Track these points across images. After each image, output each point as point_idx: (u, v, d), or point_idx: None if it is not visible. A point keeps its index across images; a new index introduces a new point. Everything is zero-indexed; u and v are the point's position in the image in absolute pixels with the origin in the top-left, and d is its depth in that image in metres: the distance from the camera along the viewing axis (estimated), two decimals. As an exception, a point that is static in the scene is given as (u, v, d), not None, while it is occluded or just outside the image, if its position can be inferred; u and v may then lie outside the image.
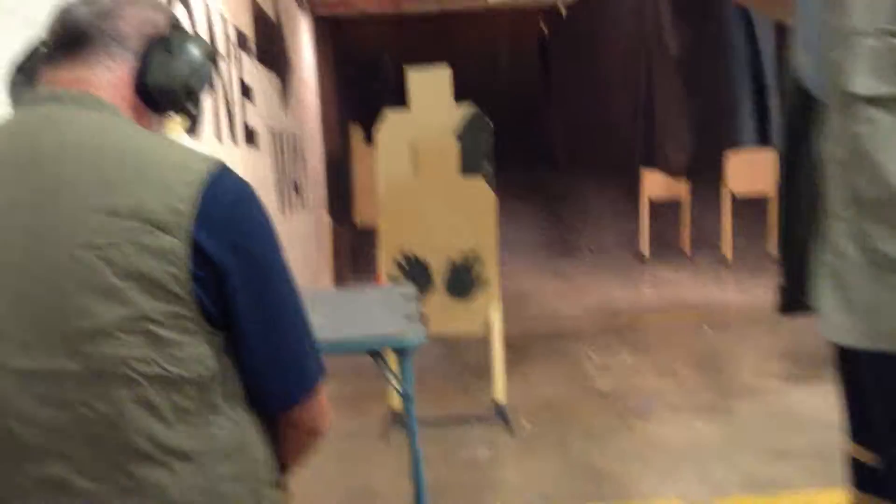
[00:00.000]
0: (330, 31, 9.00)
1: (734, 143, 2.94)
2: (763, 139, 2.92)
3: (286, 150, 6.15)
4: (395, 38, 9.25)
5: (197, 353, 1.02)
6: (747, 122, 2.88)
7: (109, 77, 1.09)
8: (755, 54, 2.95)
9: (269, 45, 5.73)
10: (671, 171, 3.91)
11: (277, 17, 6.18)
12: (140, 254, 0.98)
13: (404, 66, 3.91)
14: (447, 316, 3.86)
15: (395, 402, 3.87)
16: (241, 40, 4.84)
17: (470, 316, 3.86)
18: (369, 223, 7.03)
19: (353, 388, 4.59)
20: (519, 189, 10.66)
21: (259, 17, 5.43)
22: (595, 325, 5.95)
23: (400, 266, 3.83)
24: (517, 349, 5.24)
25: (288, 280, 1.12)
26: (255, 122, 5.09)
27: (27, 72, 1.15)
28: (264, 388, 1.10)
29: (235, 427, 1.08)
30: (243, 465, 1.09)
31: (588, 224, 10.22)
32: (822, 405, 3.79)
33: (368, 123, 4.05)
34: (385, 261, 3.86)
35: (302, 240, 6.43)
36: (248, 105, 4.92)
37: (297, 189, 6.54)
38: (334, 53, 9.25)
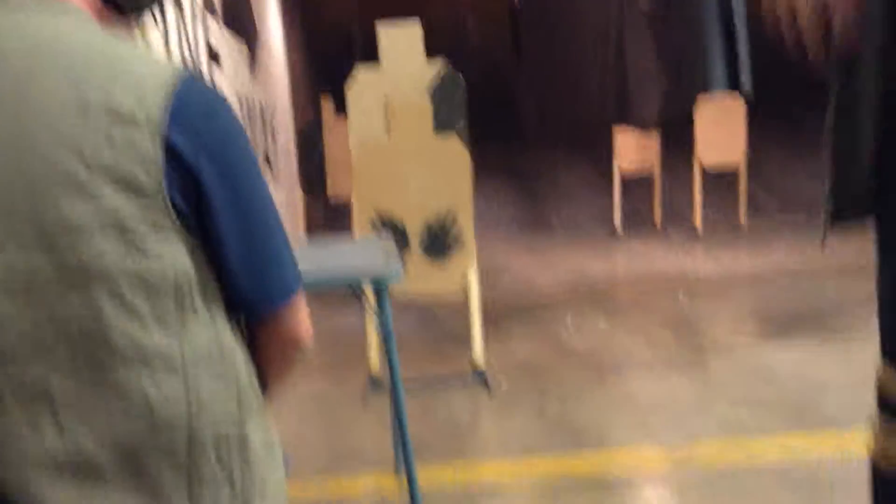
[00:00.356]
0: (297, 0, 8.88)
1: (705, 89, 2.94)
2: (734, 84, 2.92)
3: (255, 120, 6.06)
4: (363, 8, 9.15)
5: (172, 255, 1.00)
6: (718, 67, 2.88)
7: None
8: (725, 1, 2.95)
9: (235, 10, 5.62)
10: (643, 124, 3.92)
11: (244, -17, 6.07)
12: (112, 149, 0.95)
13: (375, 29, 3.86)
14: (424, 277, 3.84)
15: (374, 366, 3.85)
16: (207, 2, 4.74)
17: (447, 277, 3.83)
18: (343, 196, 6.96)
19: (332, 356, 4.57)
20: (489, 163, 10.66)
21: (225, -19, 5.33)
22: (569, 295, 5.97)
23: (374, 228, 3.80)
24: (493, 318, 5.25)
25: (264, 187, 1.10)
26: (224, 88, 5.00)
27: None
28: (243, 294, 1.07)
29: (214, 331, 1.05)
30: (223, 370, 1.06)
31: (560, 199, 10.27)
32: (795, 360, 3.85)
33: (340, 95, 4.00)
34: (360, 223, 3.82)
35: (273, 212, 6.34)
36: (216, 70, 4.83)
37: (267, 162, 6.45)
38: (302, 23, 9.13)
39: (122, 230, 0.96)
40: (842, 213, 1.54)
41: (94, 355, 0.98)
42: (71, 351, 0.97)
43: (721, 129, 8.10)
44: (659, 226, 9.29)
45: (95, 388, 0.98)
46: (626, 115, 3.90)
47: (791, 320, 4.66)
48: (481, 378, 3.80)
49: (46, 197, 0.95)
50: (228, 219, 1.03)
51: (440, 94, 3.72)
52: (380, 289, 1.92)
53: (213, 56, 4.78)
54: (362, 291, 1.93)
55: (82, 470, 0.99)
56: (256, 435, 1.10)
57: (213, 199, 1.02)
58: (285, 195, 7.07)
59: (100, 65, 0.98)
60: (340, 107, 4.51)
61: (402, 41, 3.70)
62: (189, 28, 4.21)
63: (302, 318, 1.14)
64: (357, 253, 2.20)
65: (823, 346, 4.05)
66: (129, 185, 0.96)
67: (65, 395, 0.98)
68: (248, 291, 1.07)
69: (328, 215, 9.57)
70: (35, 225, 0.95)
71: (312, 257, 2.18)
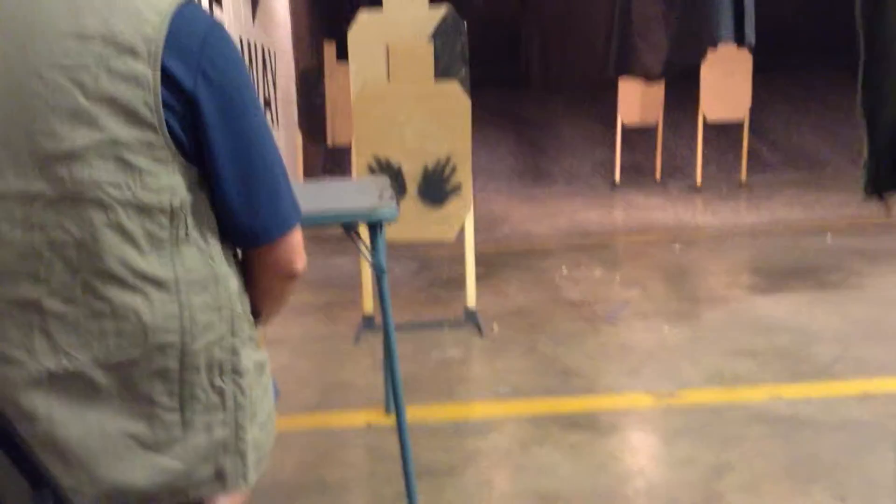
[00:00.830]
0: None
1: (711, 41, 2.90)
2: (739, 38, 2.87)
3: (255, 63, 6.00)
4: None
5: (169, 182, 1.01)
6: (725, 19, 2.83)
7: None
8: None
9: (237, -50, 5.53)
10: (648, 75, 3.87)
11: (246, -79, 5.95)
12: (110, 78, 0.96)
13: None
14: (421, 223, 3.85)
15: (368, 306, 3.89)
16: (208, -60, 4.66)
17: (444, 222, 3.85)
18: (343, 142, 6.94)
19: (326, 298, 4.62)
20: (493, 115, 10.58)
21: (226, -81, 5.22)
22: (566, 244, 5.99)
23: (372, 171, 3.80)
24: (489, 265, 5.28)
25: (261, 117, 1.11)
26: (224, 29, 4.95)
27: None
28: (239, 223, 1.09)
29: (208, 258, 1.08)
30: (217, 296, 1.08)
31: (561, 149, 10.22)
32: (787, 313, 3.89)
33: (342, 40, 3.94)
34: (358, 166, 3.82)
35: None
36: (216, 9, 4.77)
37: (267, 105, 6.41)
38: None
39: (120, 159, 0.98)
40: (882, 183, 1.39)
41: (90, 278, 1.00)
42: (67, 273, 1.00)
43: (726, 84, 8.03)
44: (659, 179, 9.28)
45: (90, 309, 1.01)
46: (631, 66, 3.85)
47: (786, 274, 4.69)
48: (473, 321, 3.85)
49: (45, 125, 0.96)
50: (226, 147, 1.04)
51: (442, 41, 3.69)
52: (374, 227, 1.93)
53: (214, -5, 4.72)
54: (356, 231, 1.95)
55: (75, 387, 1.02)
56: (249, 362, 1.13)
57: (211, 127, 1.03)
58: (285, 139, 7.04)
59: None
60: (342, 53, 4.47)
61: (403, -17, 3.65)
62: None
63: (298, 250, 1.16)
64: (352, 192, 2.21)
65: (817, 298, 4.09)
66: (127, 115, 0.97)
67: (60, 316, 1.01)
68: (244, 221, 1.09)
69: (327, 160, 9.55)
70: (33, 152, 0.97)
71: (307, 196, 2.19)
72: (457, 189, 3.83)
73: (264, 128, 1.11)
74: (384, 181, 2.50)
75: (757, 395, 2.86)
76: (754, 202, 7.65)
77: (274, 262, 1.14)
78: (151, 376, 1.04)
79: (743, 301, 4.15)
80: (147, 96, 0.97)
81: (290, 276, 1.17)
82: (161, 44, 0.98)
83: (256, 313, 1.21)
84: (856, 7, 1.36)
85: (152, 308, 1.03)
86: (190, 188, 1.03)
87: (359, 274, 4.23)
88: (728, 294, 4.31)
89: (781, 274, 4.71)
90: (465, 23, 3.71)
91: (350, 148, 4.05)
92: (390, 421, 2.74)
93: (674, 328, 3.73)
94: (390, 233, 3.76)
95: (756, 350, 3.35)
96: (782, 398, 2.81)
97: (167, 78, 0.99)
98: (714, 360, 3.25)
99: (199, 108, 1.01)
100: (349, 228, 1.97)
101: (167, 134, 1.00)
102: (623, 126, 8.82)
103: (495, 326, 3.86)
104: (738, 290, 4.40)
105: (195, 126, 1.02)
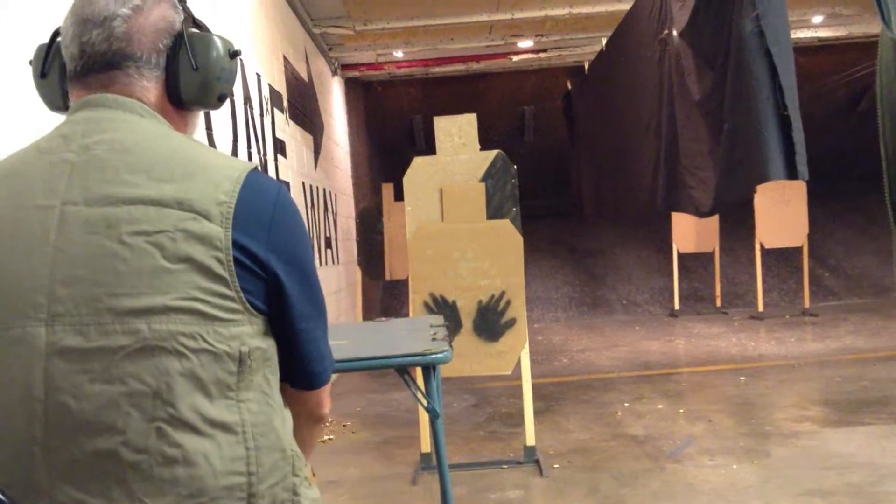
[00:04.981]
0: (361, 94, 9.29)
1: (762, 178, 2.96)
2: (791, 173, 2.92)
3: (318, 205, 6.30)
4: (424, 100, 9.50)
5: (239, 331, 1.09)
6: (774, 156, 2.89)
7: (147, 94, 1.18)
8: (777, 88, 2.98)
9: (301, 105, 5.93)
10: (697, 213, 3.92)
11: (310, 78, 6.42)
12: (187, 240, 1.06)
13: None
14: (476, 358, 3.87)
15: (425, 445, 3.86)
16: (275, 98, 5.04)
17: (499, 357, 3.86)
18: (400, 277, 7.10)
19: (384, 436, 4.59)
20: (548, 244, 10.71)
21: (292, 78, 5.65)
22: (627, 375, 5.89)
23: (428, 308, 3.87)
24: (549, 398, 5.21)
25: (317, 277, 1.22)
26: (288, 177, 5.24)
27: (50, 77, 1.22)
28: (304, 370, 1.19)
29: (268, 403, 1.14)
30: (279, 437, 1.14)
31: (618, 279, 10.20)
32: (859, 448, 3.71)
33: (400, 182, 4.16)
34: (415, 303, 3.90)
35: (333, 293, 6.51)
36: (281, 159, 5.08)
37: (328, 244, 6.66)
38: (366, 115, 9.52)
39: (197, 313, 1.06)
40: None
41: (164, 426, 1.05)
42: (143, 422, 1.05)
43: (782, 212, 8.02)
44: (719, 305, 9.13)
45: (163, 456, 1.05)
46: (681, 202, 3.92)
47: (857, 406, 4.49)
48: (533, 459, 3.77)
49: (128, 285, 1.05)
50: (300, 309, 1.16)
51: (493, 182, 3.84)
52: (428, 370, 1.97)
53: (280, 148, 5.04)
54: (409, 374, 1.99)
55: None
56: (307, 500, 1.17)
57: (288, 295, 1.13)
58: (346, 275, 7.24)
59: (178, 168, 1.10)
60: (399, 194, 4.68)
61: (456, 130, 3.86)
62: (257, 123, 4.47)
63: (327, 399, 1.28)
64: (406, 334, 2.27)
65: (890, 432, 3.89)
66: (202, 271, 1.06)
67: (135, 464, 1.05)
68: (309, 368, 1.20)
69: (385, 294, 9.71)
70: (112, 309, 1.05)
71: (363, 338, 2.26)
72: (511, 323, 3.86)
73: (319, 285, 1.21)
74: (438, 320, 2.56)
75: (835, 540, 2.70)
76: (819, 330, 7.44)
77: (314, 405, 1.25)
78: None
79: (813, 436, 3.98)
80: (219, 254, 1.06)
81: (322, 418, 1.28)
82: (232, 206, 1.08)
83: None
84: (880, 134, 1.46)
85: (221, 451, 1.06)
86: (257, 336, 1.11)
87: (416, 410, 4.22)
88: (797, 428, 4.14)
89: (852, 406, 4.52)
90: (515, 166, 3.87)
91: (407, 281, 4.17)
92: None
93: (742, 466, 3.58)
94: (446, 368, 3.78)
95: (828, 489, 3.18)
96: (862, 544, 2.64)
97: (238, 244, 1.08)
98: (787, 502, 3.09)
99: (274, 276, 1.11)
100: (403, 371, 2.02)
101: (238, 288, 1.08)
102: (679, 253, 8.82)
103: (556, 467, 3.77)
104: (807, 423, 4.23)
105: (269, 288, 1.12)
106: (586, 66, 7.85)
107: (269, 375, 1.14)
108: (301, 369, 1.19)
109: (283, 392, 1.19)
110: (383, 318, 2.88)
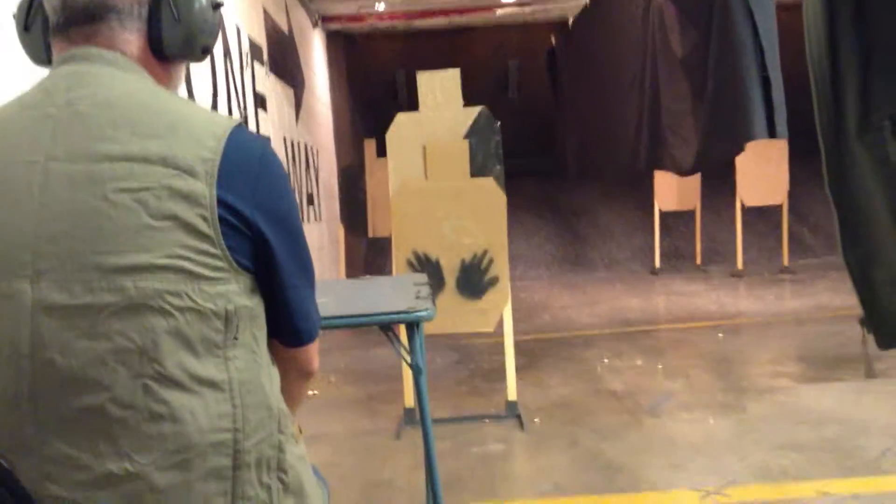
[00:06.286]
0: (343, 47, 9.15)
1: (744, 138, 2.97)
2: (771, 132, 2.94)
3: (299, 161, 6.24)
4: (406, 54, 9.39)
5: (225, 289, 1.09)
6: (757, 116, 2.91)
7: (130, 47, 1.16)
8: (759, 48, 2.98)
9: (282, 58, 5.84)
10: (679, 169, 3.94)
11: (290, 30, 6.30)
12: (172, 197, 1.05)
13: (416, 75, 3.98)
14: (459, 315, 3.89)
15: (409, 400, 3.90)
16: (255, 51, 4.95)
17: (482, 315, 3.89)
18: (383, 234, 7.09)
19: (368, 392, 4.64)
20: (531, 203, 10.72)
21: (272, 30, 5.55)
22: (607, 332, 5.96)
23: (412, 266, 3.88)
24: (530, 355, 5.27)
25: (303, 232, 1.22)
26: (269, 131, 5.18)
27: (33, 31, 1.21)
28: (293, 326, 1.20)
29: (255, 361, 1.15)
30: (266, 395, 1.15)
31: (599, 237, 10.25)
32: (834, 403, 3.80)
33: (382, 137, 4.13)
34: (398, 261, 3.91)
35: (316, 250, 6.50)
36: (262, 114, 5.02)
37: (310, 200, 6.62)
38: (347, 69, 9.39)
39: (183, 271, 1.06)
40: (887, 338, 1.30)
41: (150, 382, 1.06)
42: (129, 379, 1.05)
43: (763, 171, 8.05)
44: (699, 264, 9.22)
45: (150, 412, 1.06)
46: (662, 161, 3.93)
47: (833, 362, 4.59)
48: (515, 414, 3.83)
49: (112, 243, 1.04)
50: (288, 265, 1.16)
51: (477, 140, 3.82)
52: (411, 327, 1.99)
53: (260, 102, 4.97)
54: (392, 331, 2.00)
55: (136, 490, 1.07)
56: (293, 458, 1.19)
57: (276, 251, 1.13)
58: (328, 232, 7.22)
59: (162, 124, 1.09)
60: (382, 150, 4.65)
61: (440, 86, 3.82)
62: (237, 76, 4.40)
63: (316, 355, 1.29)
64: (390, 291, 2.28)
65: (865, 388, 3.99)
66: (187, 229, 1.06)
67: (122, 420, 1.06)
68: (298, 324, 1.21)
69: (368, 251, 9.71)
70: (99, 267, 1.04)
71: (346, 295, 2.26)
72: (494, 281, 3.88)
73: (306, 242, 1.22)
74: (421, 278, 2.56)
75: (805, 491, 2.78)
76: (797, 287, 7.55)
77: (303, 362, 1.26)
78: (206, 476, 1.08)
79: (789, 391, 4.07)
80: (204, 212, 1.06)
81: (310, 374, 1.29)
82: (217, 163, 1.07)
83: None
84: (825, 182, 1.36)
85: (207, 408, 1.07)
86: (244, 294, 1.11)
87: (399, 365, 4.26)
88: (774, 384, 4.23)
89: (828, 362, 4.61)
90: (499, 122, 3.85)
91: (390, 238, 4.18)
92: (430, 520, 2.71)
93: (719, 420, 3.66)
94: (430, 326, 3.80)
95: (803, 443, 3.27)
96: (830, 494, 2.73)
97: (223, 201, 1.07)
98: (761, 455, 3.17)
99: (260, 234, 1.11)
100: (386, 328, 2.03)
101: (224, 246, 1.08)
102: (661, 212, 8.86)
103: (538, 421, 3.83)
104: (783, 379, 4.31)
105: (255, 246, 1.11)
106: (570, 22, 7.78)
107: (256, 333, 1.14)
108: (289, 326, 1.20)
109: (271, 349, 1.20)
110: (368, 277, 2.89)
